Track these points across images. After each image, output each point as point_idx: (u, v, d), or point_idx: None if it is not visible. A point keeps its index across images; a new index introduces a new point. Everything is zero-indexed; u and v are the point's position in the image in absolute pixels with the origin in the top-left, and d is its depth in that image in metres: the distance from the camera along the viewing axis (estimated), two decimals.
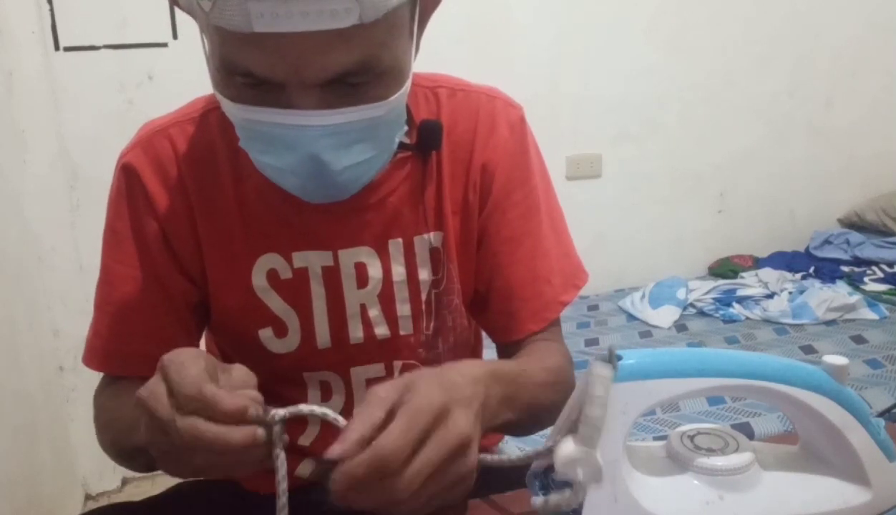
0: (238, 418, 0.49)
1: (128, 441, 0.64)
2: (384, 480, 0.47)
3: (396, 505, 0.48)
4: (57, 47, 1.87)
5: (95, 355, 0.76)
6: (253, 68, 0.57)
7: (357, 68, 0.58)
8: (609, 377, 0.46)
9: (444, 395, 0.50)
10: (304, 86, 0.58)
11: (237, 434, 0.49)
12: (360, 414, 0.49)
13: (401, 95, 0.64)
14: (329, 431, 0.80)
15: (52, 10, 1.84)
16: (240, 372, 0.53)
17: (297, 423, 0.81)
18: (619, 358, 0.46)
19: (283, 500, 0.53)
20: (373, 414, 0.49)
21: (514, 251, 0.79)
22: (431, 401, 0.49)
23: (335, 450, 0.47)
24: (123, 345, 0.75)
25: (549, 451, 0.49)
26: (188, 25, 1.91)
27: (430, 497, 0.49)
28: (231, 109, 0.63)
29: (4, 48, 1.78)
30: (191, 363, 0.50)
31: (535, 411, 0.67)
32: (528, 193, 0.80)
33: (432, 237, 0.77)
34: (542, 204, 0.81)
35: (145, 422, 0.51)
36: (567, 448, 0.47)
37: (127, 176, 0.74)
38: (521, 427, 0.67)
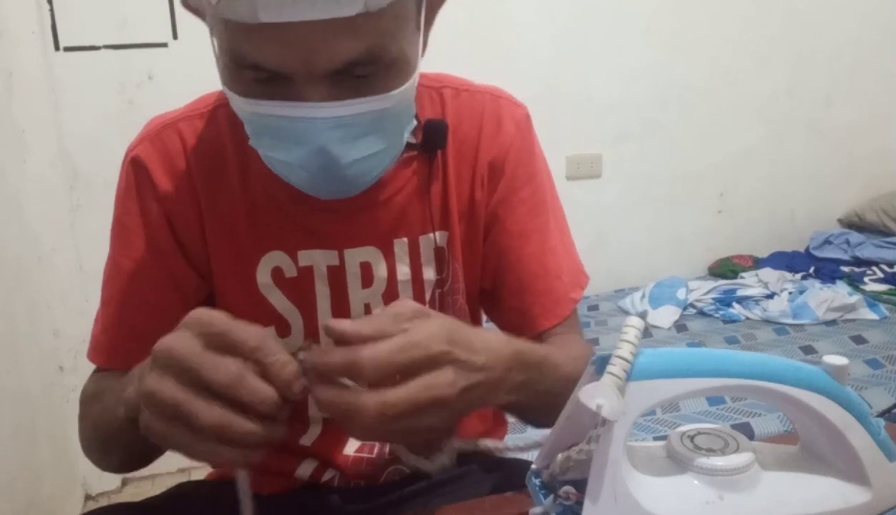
0: (284, 388, 0.47)
1: (112, 418, 0.60)
2: (353, 386, 0.48)
3: (358, 422, 0.48)
4: (57, 47, 1.87)
5: (102, 351, 0.75)
6: (261, 60, 0.57)
7: (364, 58, 0.58)
8: (641, 327, 0.47)
9: (449, 346, 0.50)
10: (312, 77, 0.58)
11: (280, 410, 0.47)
12: (372, 318, 0.50)
13: (408, 88, 0.64)
14: (331, 432, 0.80)
15: (52, 10, 1.84)
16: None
17: (298, 424, 0.81)
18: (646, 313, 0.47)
19: None
20: (383, 325, 0.50)
21: (523, 246, 0.79)
22: (432, 344, 0.49)
23: (333, 324, 0.49)
24: (133, 341, 0.74)
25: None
26: (188, 25, 1.91)
27: (390, 430, 0.49)
28: (240, 105, 0.62)
29: (4, 48, 1.78)
30: (233, 319, 0.49)
31: (549, 401, 0.63)
32: (535, 189, 0.80)
33: (437, 236, 0.77)
34: (548, 201, 0.82)
35: (158, 374, 0.47)
36: (593, 384, 0.47)
37: (136, 169, 0.74)
38: (531, 412, 0.65)
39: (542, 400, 0.62)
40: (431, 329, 0.50)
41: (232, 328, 0.48)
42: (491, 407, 0.59)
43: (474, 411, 0.55)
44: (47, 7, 1.84)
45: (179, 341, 0.47)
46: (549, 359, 0.64)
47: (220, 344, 0.47)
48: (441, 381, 0.50)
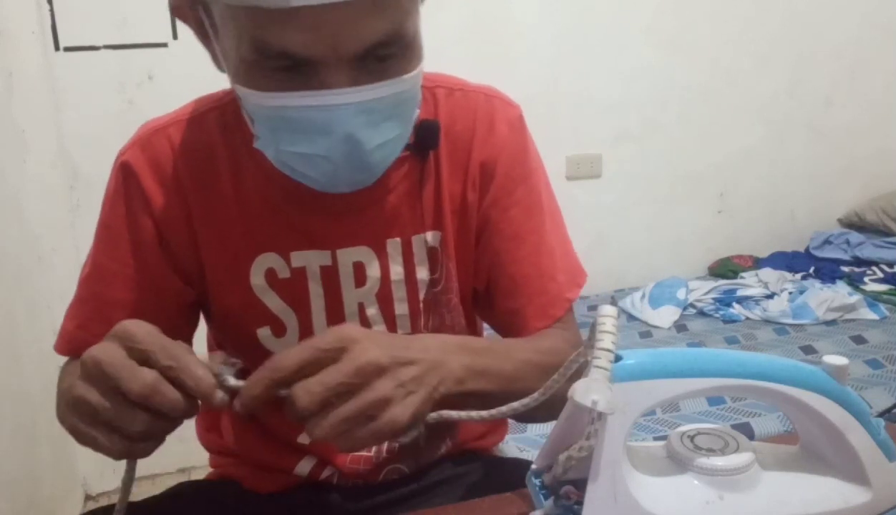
0: (205, 401, 0.51)
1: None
2: (283, 392, 0.51)
3: (303, 420, 0.51)
4: (57, 47, 1.87)
5: (76, 346, 0.76)
6: (290, 47, 0.57)
7: (388, 38, 0.59)
8: (615, 314, 0.48)
9: (355, 330, 0.53)
10: (338, 62, 0.59)
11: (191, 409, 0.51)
12: (303, 349, 0.53)
13: (420, 71, 0.65)
14: None
15: (52, 10, 1.84)
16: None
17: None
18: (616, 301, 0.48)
19: None
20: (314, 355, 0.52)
21: (517, 248, 0.78)
22: (337, 331, 0.53)
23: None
24: None
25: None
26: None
27: (341, 421, 0.50)
28: (259, 100, 0.62)
29: (4, 48, 1.78)
30: (158, 333, 0.52)
31: (515, 387, 0.63)
32: (529, 190, 0.80)
33: (430, 236, 0.77)
34: (544, 201, 0.81)
35: (85, 381, 0.51)
36: (584, 380, 0.47)
37: (124, 175, 0.74)
38: (500, 401, 0.63)
39: (505, 386, 0.63)
40: (339, 326, 0.54)
41: (148, 344, 0.51)
42: (463, 398, 0.59)
43: (433, 402, 0.56)
44: (47, 7, 1.84)
45: (105, 351, 0.51)
46: (497, 344, 0.67)
47: (140, 356, 0.50)
48: (354, 353, 0.52)
